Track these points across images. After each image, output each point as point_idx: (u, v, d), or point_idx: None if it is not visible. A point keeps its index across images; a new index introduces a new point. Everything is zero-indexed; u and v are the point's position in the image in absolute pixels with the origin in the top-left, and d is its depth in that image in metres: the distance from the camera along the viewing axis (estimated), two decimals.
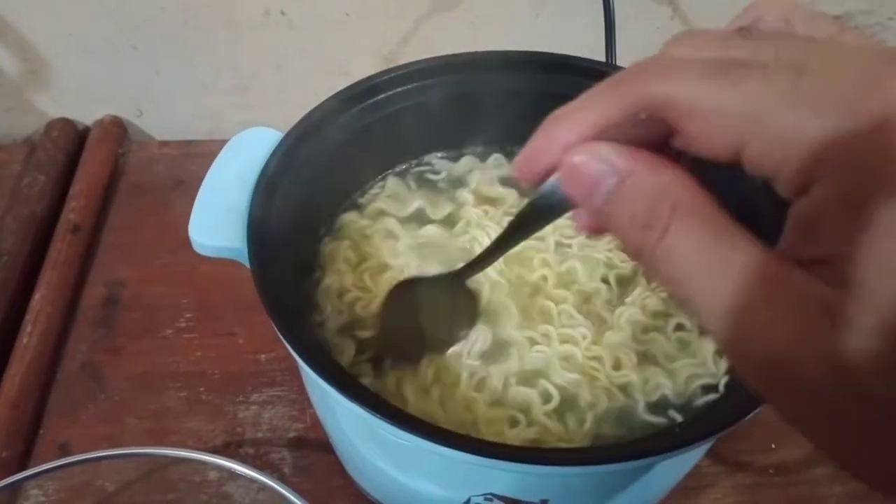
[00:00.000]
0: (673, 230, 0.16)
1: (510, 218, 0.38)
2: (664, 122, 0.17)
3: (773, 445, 0.41)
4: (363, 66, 0.56)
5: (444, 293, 0.33)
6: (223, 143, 0.58)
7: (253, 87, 0.56)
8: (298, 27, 0.52)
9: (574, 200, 0.18)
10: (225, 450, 0.40)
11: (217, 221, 0.32)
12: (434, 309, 0.33)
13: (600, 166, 0.17)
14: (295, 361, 0.39)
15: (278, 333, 0.28)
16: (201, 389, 0.42)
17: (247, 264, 0.31)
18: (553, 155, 0.18)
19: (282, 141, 0.35)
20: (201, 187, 0.33)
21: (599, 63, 0.41)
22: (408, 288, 0.34)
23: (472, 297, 0.33)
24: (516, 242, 0.26)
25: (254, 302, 0.48)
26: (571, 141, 0.18)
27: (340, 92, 0.38)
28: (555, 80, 0.40)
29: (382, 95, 0.39)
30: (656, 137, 0.17)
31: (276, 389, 0.42)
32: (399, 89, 0.39)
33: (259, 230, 0.31)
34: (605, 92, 0.18)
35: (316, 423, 0.41)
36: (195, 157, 0.55)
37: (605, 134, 0.17)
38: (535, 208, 0.22)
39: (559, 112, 0.18)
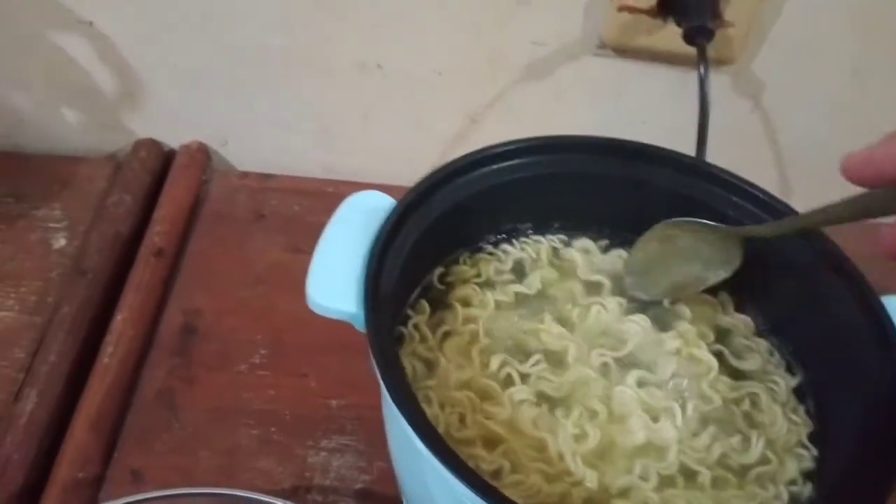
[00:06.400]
0: None
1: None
2: None
3: None
4: (446, 124, 0.58)
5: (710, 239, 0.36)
6: (302, 180, 0.61)
7: (337, 131, 0.58)
8: (391, 81, 0.54)
9: None
10: (293, 494, 0.41)
11: (332, 283, 0.33)
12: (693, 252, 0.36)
13: None
14: (365, 411, 0.40)
15: (397, 410, 0.29)
16: (273, 429, 0.43)
17: (358, 328, 0.32)
18: None
19: (394, 209, 0.36)
20: (317, 247, 0.34)
21: (691, 158, 0.43)
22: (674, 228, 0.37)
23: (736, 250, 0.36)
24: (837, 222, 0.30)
25: (326, 345, 0.50)
26: None
27: (447, 164, 0.39)
28: (644, 170, 0.42)
29: (485, 169, 0.40)
30: None
31: (346, 438, 0.43)
32: (502, 164, 0.40)
33: (375, 297, 0.32)
34: None
35: (383, 478, 0.42)
36: (275, 192, 0.57)
37: None
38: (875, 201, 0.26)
39: None
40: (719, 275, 0.38)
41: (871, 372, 0.33)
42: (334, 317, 0.33)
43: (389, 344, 0.32)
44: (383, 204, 0.37)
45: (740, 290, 0.40)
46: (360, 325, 0.32)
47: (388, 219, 0.36)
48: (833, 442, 0.35)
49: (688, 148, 0.44)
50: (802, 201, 0.58)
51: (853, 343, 0.34)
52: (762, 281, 0.39)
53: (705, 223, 0.37)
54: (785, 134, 0.57)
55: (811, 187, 0.62)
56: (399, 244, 0.36)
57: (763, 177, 0.40)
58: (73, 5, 0.51)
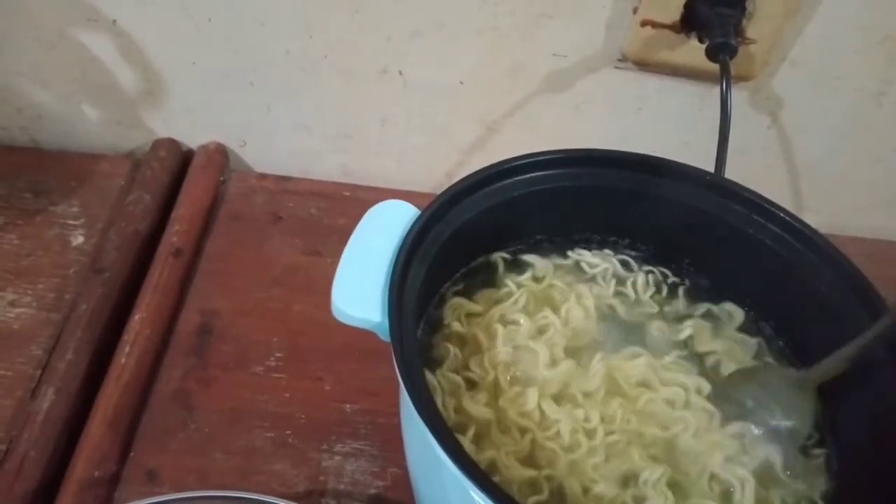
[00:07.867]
0: None
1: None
2: None
3: None
4: (464, 132, 0.58)
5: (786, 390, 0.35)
6: (320, 183, 0.61)
7: (355, 135, 0.58)
8: (411, 88, 0.54)
9: None
10: (307, 497, 0.41)
11: (357, 292, 0.33)
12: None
13: None
14: (379, 416, 0.43)
15: (419, 419, 0.29)
16: (288, 432, 0.44)
17: (382, 337, 0.32)
18: None
19: (418, 218, 0.36)
20: (343, 257, 0.35)
21: (713, 174, 0.43)
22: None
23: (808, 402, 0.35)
24: None
25: (341, 349, 0.50)
26: None
27: (470, 175, 0.39)
28: (664, 185, 0.42)
29: (507, 181, 0.41)
30: None
31: (360, 443, 0.44)
32: (524, 176, 0.41)
33: (399, 307, 0.33)
34: None
35: (397, 484, 0.42)
36: (292, 195, 0.57)
37: None
38: None
39: None
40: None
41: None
42: (358, 325, 0.33)
43: (413, 354, 0.32)
44: (407, 213, 0.37)
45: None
46: (383, 333, 0.33)
47: (411, 228, 0.36)
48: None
49: (706, 162, 0.45)
50: (815, 217, 0.59)
51: None
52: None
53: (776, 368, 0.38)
54: (801, 150, 0.58)
55: (824, 204, 0.62)
56: (423, 254, 0.37)
57: (776, 192, 0.41)
58: (98, 3, 0.51)
